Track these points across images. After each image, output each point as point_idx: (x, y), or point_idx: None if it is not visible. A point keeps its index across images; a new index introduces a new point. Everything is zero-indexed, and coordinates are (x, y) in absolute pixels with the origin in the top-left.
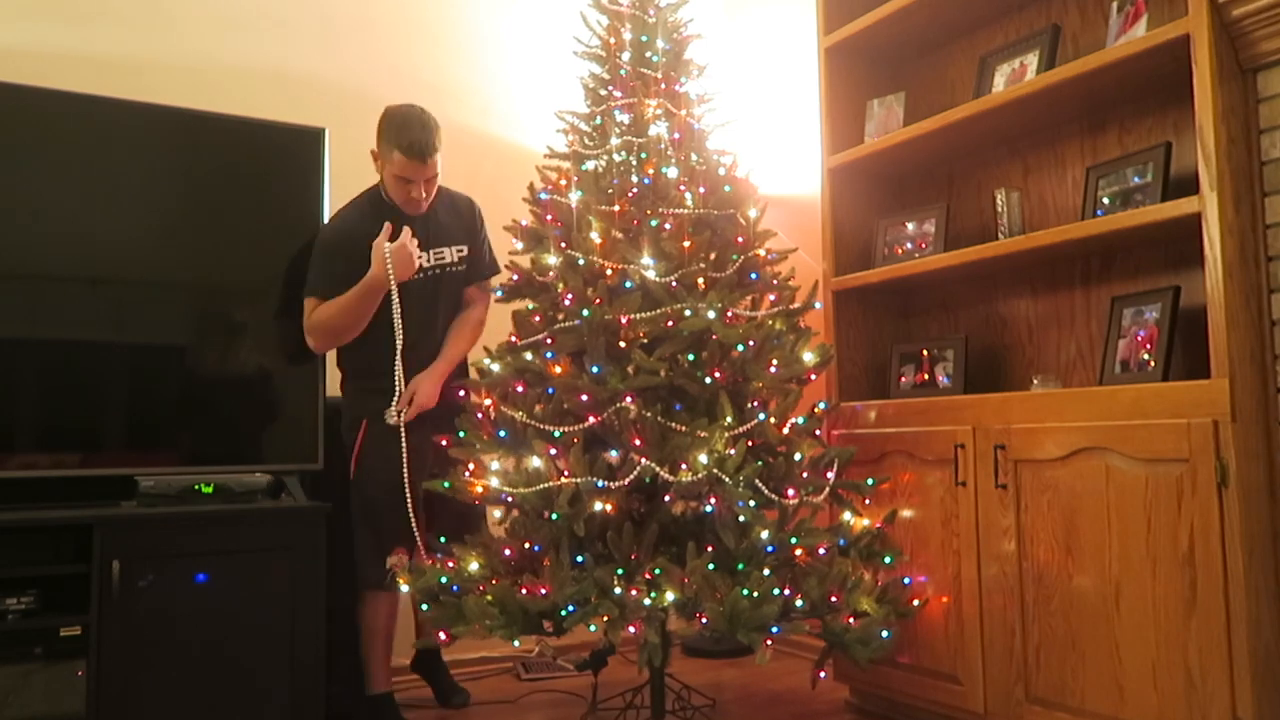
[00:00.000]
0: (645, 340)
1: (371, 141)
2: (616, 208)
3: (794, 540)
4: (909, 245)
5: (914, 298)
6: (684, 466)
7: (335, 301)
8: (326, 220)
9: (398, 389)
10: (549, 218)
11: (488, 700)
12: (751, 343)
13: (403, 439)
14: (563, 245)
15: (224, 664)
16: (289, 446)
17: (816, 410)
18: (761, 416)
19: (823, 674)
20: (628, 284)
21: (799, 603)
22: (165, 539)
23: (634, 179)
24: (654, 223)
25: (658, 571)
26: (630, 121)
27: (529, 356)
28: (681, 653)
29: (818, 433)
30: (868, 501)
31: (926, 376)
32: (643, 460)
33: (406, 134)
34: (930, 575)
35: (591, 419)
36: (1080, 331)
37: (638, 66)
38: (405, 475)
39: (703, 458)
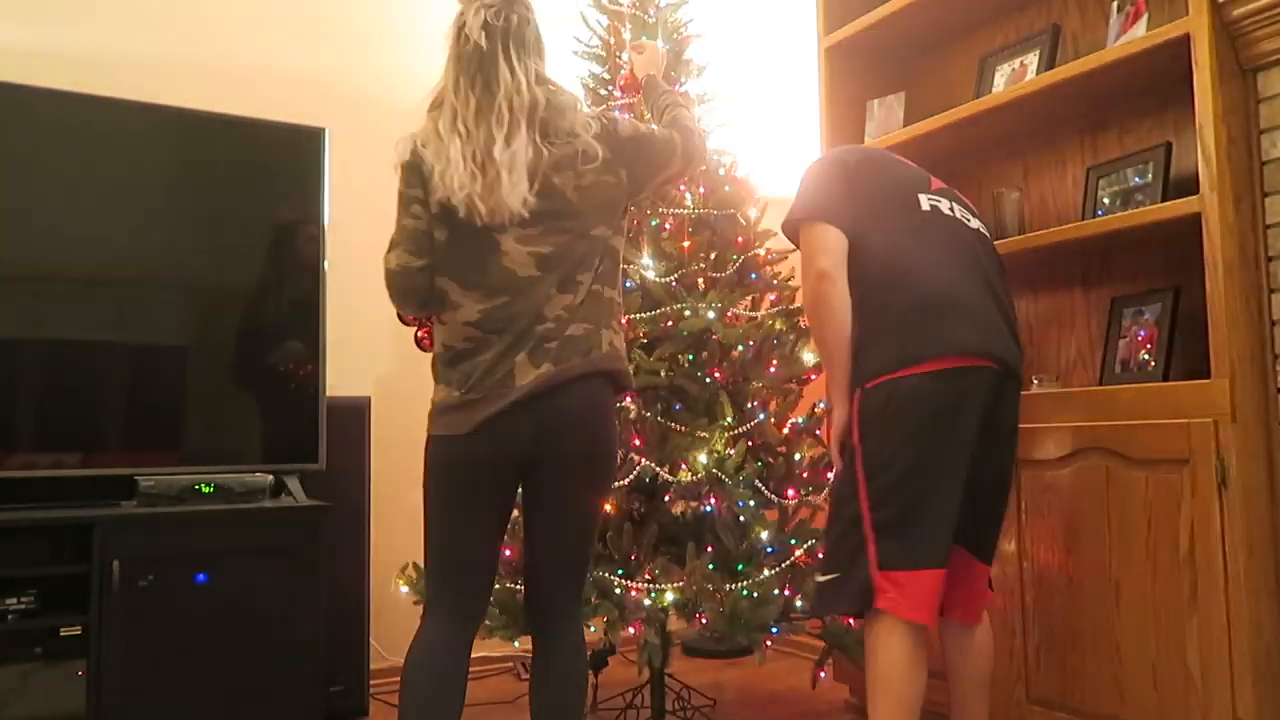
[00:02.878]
0: (645, 340)
1: (369, 141)
2: None
3: (793, 541)
4: None
5: None
6: (684, 466)
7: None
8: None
9: None
10: None
11: (488, 700)
12: (751, 343)
13: None
14: None
15: (224, 664)
16: (289, 446)
17: (817, 410)
18: (761, 417)
19: (823, 674)
20: (628, 284)
21: (799, 603)
22: (165, 539)
23: None
24: (654, 222)
25: (657, 572)
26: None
27: None
28: (681, 653)
29: (818, 433)
30: None
31: None
32: (642, 460)
33: None
34: None
35: None
36: (1080, 331)
37: None
38: None
39: (702, 458)
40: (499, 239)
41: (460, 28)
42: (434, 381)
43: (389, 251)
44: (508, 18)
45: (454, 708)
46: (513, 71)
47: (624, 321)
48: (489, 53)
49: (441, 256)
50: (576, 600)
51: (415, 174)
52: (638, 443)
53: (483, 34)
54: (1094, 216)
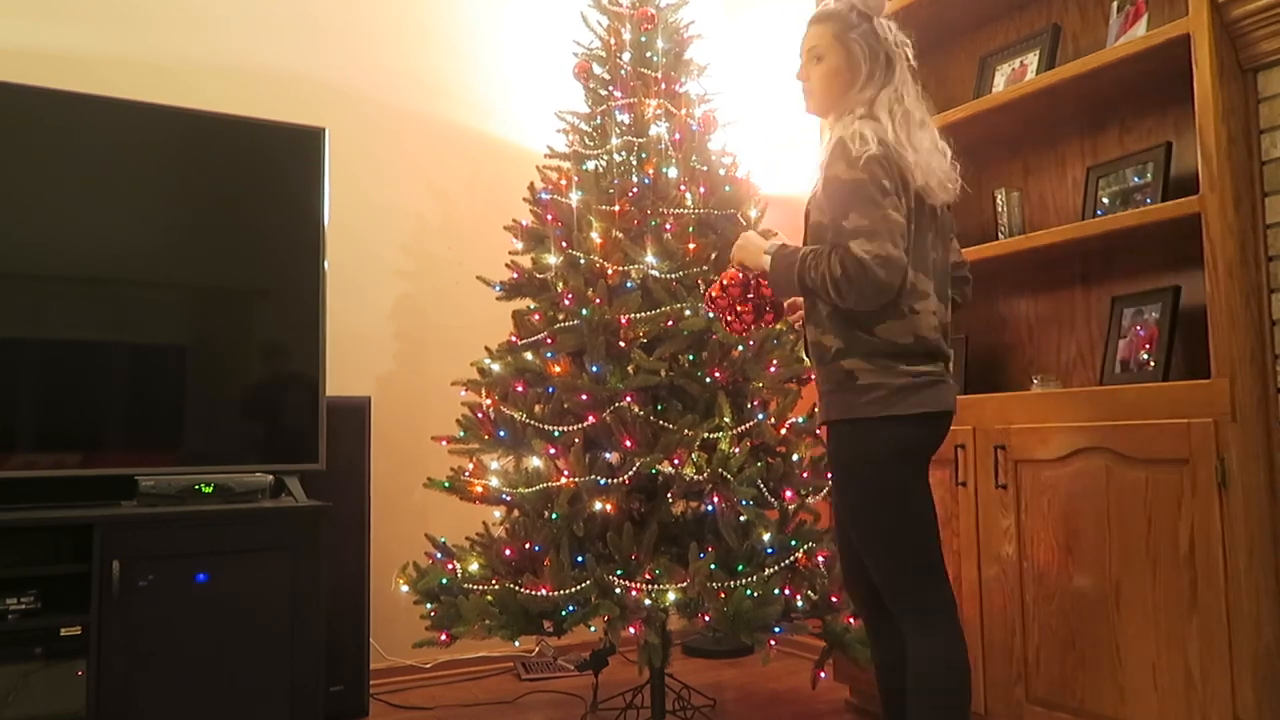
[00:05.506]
0: (645, 340)
1: (369, 141)
2: (617, 208)
3: (794, 543)
4: None
5: None
6: (677, 463)
7: None
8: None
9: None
10: (549, 217)
11: (488, 700)
12: (751, 343)
13: None
14: (563, 245)
15: (224, 663)
16: (289, 446)
17: (816, 410)
18: (760, 417)
19: (823, 674)
20: (628, 284)
21: (799, 603)
22: (165, 539)
23: (634, 179)
24: (654, 223)
25: (658, 572)
26: (630, 121)
27: (529, 356)
28: (681, 653)
29: (818, 432)
30: None
31: None
32: (639, 460)
33: None
34: None
35: (591, 419)
36: (1080, 331)
37: (638, 67)
38: None
39: (693, 457)
40: (929, 234)
41: (873, 31)
42: (882, 367)
43: (866, 242)
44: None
45: None
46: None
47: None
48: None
49: (911, 249)
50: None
51: (888, 166)
52: (628, 444)
53: (911, 52)
54: (1094, 216)
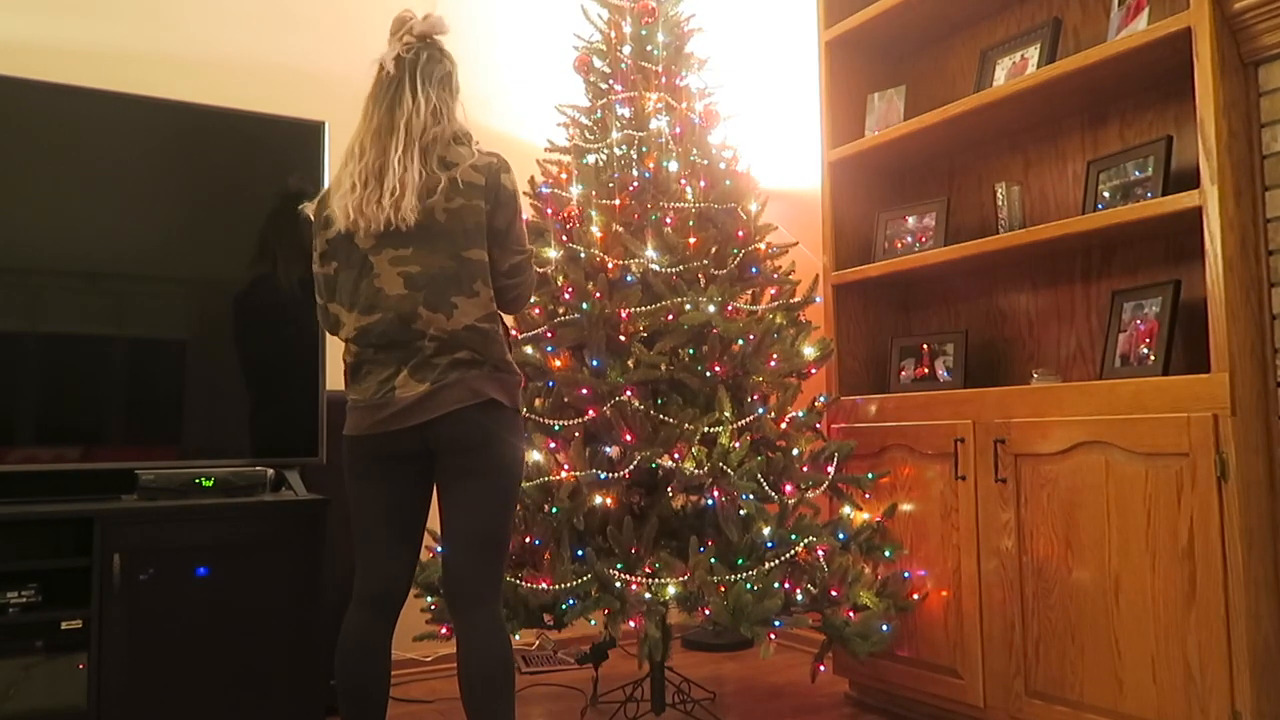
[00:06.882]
0: (645, 334)
1: None
2: (617, 201)
3: (794, 537)
4: (909, 239)
5: (914, 291)
6: (678, 457)
7: None
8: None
9: None
10: (550, 211)
11: None
12: (752, 337)
13: None
14: (564, 238)
15: (225, 657)
16: (290, 440)
17: (816, 404)
18: (760, 410)
19: (822, 667)
20: (629, 278)
21: (799, 596)
22: (166, 532)
23: (635, 173)
24: (654, 217)
25: (658, 566)
26: (631, 115)
27: (529, 350)
28: (681, 646)
29: (818, 426)
30: (867, 495)
31: (926, 370)
32: (639, 454)
33: None
34: (930, 569)
35: (591, 413)
36: (1080, 325)
37: (638, 60)
38: None
39: (693, 450)
40: (373, 261)
41: (379, 63)
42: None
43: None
44: (419, 53)
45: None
46: (414, 97)
47: (514, 332)
48: (396, 79)
49: (333, 286)
50: (488, 581)
51: (315, 221)
52: (629, 438)
53: (394, 64)
54: (1094, 210)
